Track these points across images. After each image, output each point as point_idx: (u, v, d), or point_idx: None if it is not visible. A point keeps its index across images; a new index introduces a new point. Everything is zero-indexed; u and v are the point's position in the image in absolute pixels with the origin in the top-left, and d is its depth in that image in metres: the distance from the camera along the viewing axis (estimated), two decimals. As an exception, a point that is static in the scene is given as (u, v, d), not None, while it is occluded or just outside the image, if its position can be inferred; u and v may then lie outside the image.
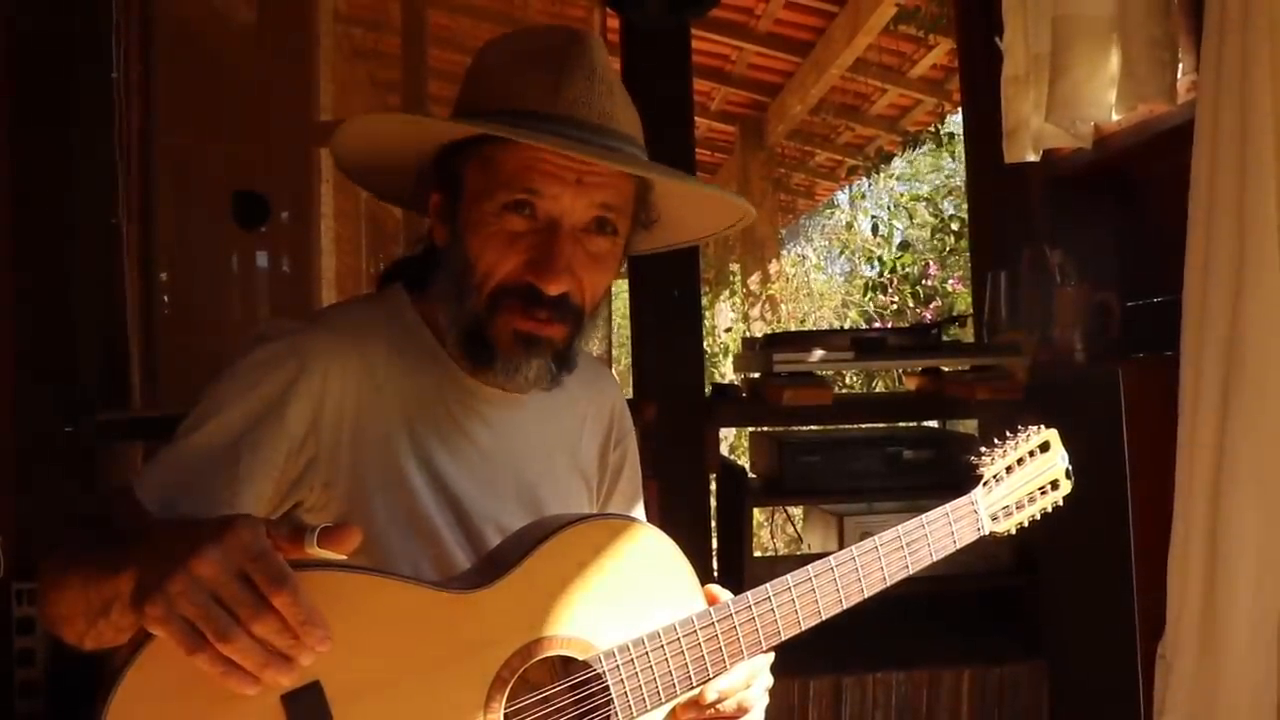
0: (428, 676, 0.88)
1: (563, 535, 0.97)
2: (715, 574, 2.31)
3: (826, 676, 2.09)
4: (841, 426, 2.44)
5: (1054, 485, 1.23)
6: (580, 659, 0.96)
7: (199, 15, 3.20)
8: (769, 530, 5.00)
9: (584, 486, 1.21)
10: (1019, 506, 1.20)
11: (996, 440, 1.22)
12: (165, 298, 2.99)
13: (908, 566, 1.11)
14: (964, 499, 1.17)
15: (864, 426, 2.44)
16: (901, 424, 2.48)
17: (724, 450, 4.32)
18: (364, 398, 1.02)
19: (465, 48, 4.81)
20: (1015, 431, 1.23)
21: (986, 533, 1.17)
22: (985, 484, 1.18)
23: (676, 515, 2.16)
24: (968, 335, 2.81)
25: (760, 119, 6.38)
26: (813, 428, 2.45)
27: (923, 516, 1.13)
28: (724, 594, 1.05)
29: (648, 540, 1.02)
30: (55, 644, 0.96)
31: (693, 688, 1.00)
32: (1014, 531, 1.20)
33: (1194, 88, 1.69)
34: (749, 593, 1.03)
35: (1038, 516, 1.22)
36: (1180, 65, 1.83)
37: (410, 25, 3.81)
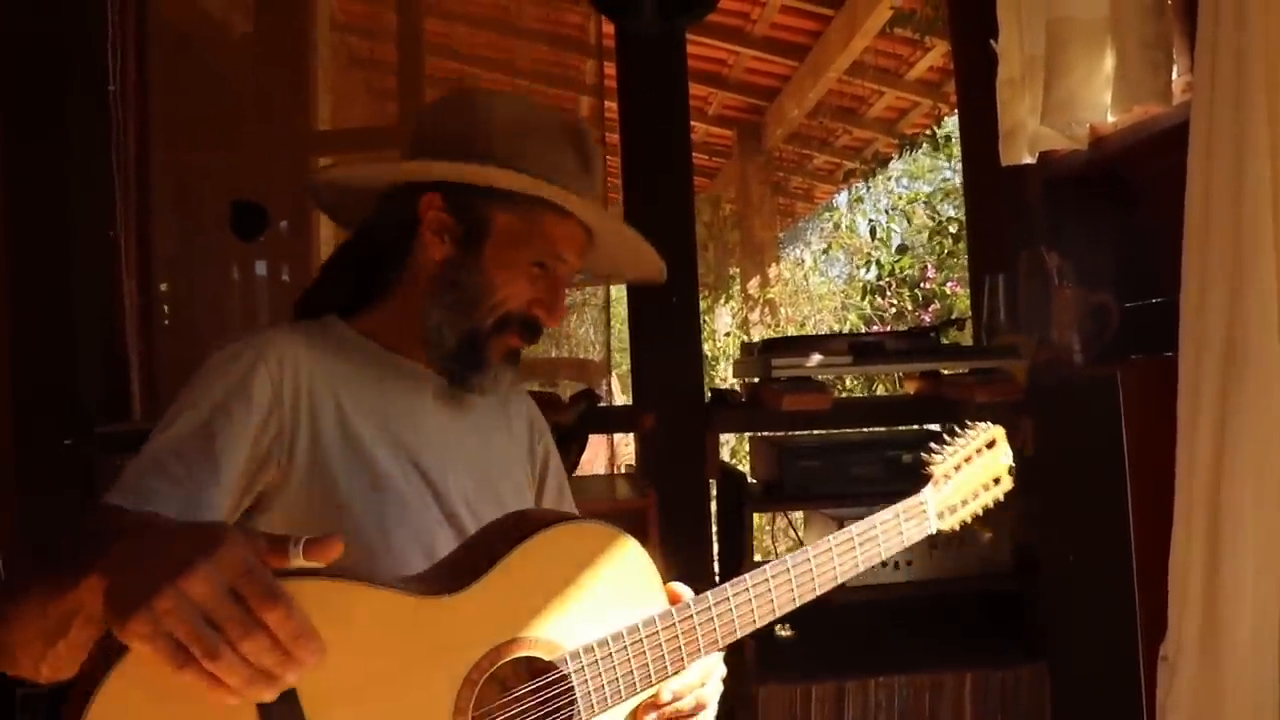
0: (400, 681, 0.89)
1: (535, 540, 0.99)
2: (717, 579, 2.29)
3: (828, 681, 2.09)
4: (841, 431, 2.44)
5: (995, 481, 1.24)
6: (546, 659, 0.97)
7: (195, 25, 3.20)
8: (770, 534, 5.00)
9: (524, 470, 1.32)
10: (963, 503, 1.21)
11: (946, 438, 1.23)
12: (165, 309, 2.99)
13: (858, 565, 1.14)
14: (915, 499, 1.19)
15: (863, 430, 2.43)
16: (901, 428, 2.47)
17: (724, 455, 4.32)
18: (317, 378, 1.12)
19: (462, 56, 4.82)
20: (964, 428, 1.24)
21: (934, 531, 1.20)
22: (935, 483, 1.20)
23: (677, 521, 2.16)
24: (966, 338, 2.81)
25: (758, 123, 6.39)
26: (812, 432, 2.45)
27: (874, 516, 1.16)
28: (686, 592, 1.08)
29: (616, 544, 1.05)
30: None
31: (651, 685, 1.03)
32: (957, 528, 1.22)
33: (1189, 88, 1.69)
34: (709, 592, 1.07)
35: (979, 513, 1.23)
36: (1175, 66, 1.83)
37: (407, 33, 3.80)
